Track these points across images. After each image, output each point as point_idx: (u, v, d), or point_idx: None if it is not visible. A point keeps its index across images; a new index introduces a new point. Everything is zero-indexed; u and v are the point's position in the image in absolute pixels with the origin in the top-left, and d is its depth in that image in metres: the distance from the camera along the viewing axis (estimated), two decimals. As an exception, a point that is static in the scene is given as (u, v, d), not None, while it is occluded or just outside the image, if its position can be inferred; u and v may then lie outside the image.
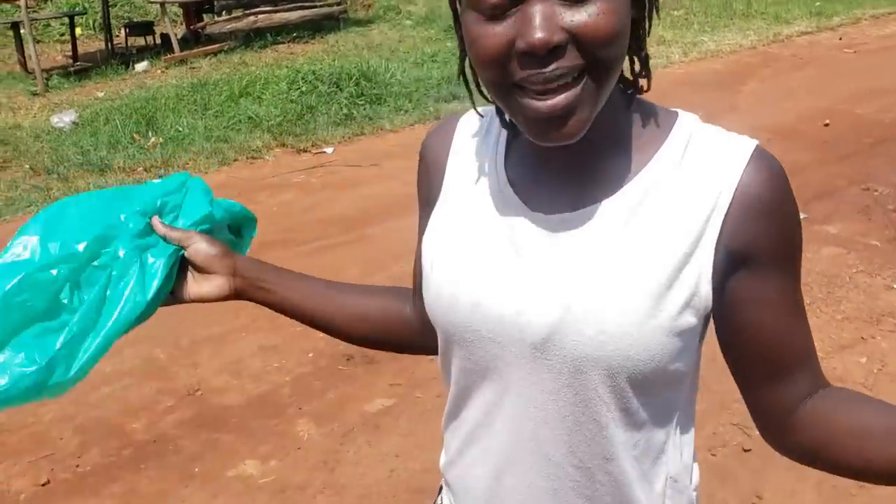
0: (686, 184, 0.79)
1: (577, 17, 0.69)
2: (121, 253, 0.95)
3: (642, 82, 0.83)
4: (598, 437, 0.82)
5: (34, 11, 10.00)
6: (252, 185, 5.48)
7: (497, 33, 0.70)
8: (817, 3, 12.54)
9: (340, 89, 7.35)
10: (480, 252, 0.85)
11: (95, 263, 0.94)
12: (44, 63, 9.02)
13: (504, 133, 0.89)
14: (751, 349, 0.84)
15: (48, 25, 10.84)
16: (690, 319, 0.79)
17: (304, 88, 7.27)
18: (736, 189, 0.78)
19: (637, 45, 0.80)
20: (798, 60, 8.98)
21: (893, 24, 11.25)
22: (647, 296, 0.77)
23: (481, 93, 0.83)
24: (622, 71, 0.79)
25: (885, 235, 4.36)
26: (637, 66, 0.83)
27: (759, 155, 0.79)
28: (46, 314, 0.91)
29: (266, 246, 4.48)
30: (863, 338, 3.35)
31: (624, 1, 0.72)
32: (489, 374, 0.86)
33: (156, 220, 0.99)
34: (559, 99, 0.71)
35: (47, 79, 8.36)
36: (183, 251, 0.99)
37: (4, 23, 9.43)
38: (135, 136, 6.39)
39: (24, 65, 8.91)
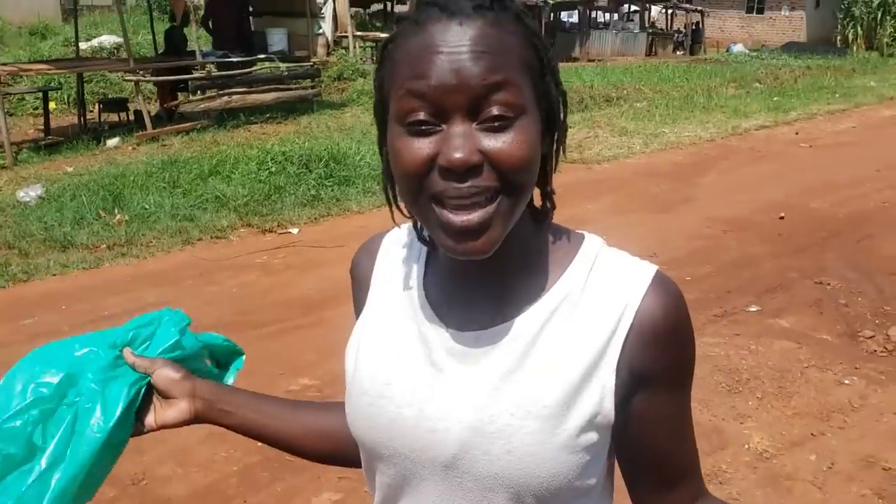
0: (589, 306, 0.84)
1: (493, 143, 0.76)
2: (89, 387, 0.97)
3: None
4: None
5: (8, 86, 10.07)
6: (214, 265, 5.46)
7: (420, 148, 0.76)
8: (775, 98, 13.09)
9: (309, 170, 7.44)
10: (398, 369, 0.88)
11: (65, 402, 0.96)
12: (15, 136, 9.06)
13: (425, 249, 0.93)
14: (642, 461, 0.89)
15: (22, 99, 10.92)
16: (593, 436, 0.83)
17: (273, 169, 7.36)
18: (636, 314, 0.82)
19: (544, 181, 0.86)
20: (755, 153, 9.31)
21: (847, 120, 11.76)
22: (551, 415, 0.81)
23: (398, 207, 0.87)
24: (532, 199, 0.84)
25: (836, 330, 4.45)
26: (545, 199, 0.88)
27: (659, 281, 0.84)
28: (24, 460, 0.94)
29: (222, 328, 4.41)
30: (813, 434, 3.38)
31: (536, 135, 0.79)
32: (406, 490, 0.89)
33: (126, 351, 1.02)
34: (473, 215, 0.76)
35: (17, 152, 8.37)
36: (149, 378, 1.01)
37: (-23, 97, 9.48)
38: (101, 212, 6.38)
39: (-7, 138, 8.92)
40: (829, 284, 5.12)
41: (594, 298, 0.84)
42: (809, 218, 6.61)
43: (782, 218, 6.57)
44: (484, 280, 0.87)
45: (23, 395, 0.96)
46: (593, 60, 19.17)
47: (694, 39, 23.30)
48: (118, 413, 0.96)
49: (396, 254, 0.96)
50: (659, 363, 0.83)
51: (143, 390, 1.01)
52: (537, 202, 0.90)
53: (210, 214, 6.52)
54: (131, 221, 6.27)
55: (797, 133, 10.57)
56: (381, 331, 0.92)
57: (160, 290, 4.98)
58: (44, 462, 0.93)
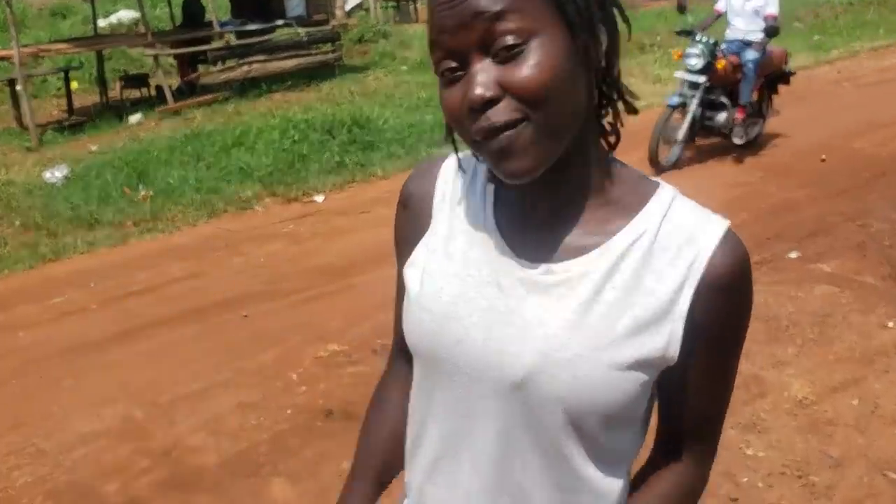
0: (662, 250, 0.86)
1: (508, 74, 0.77)
2: None
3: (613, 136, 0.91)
4: (568, 470, 0.90)
5: (31, 68, 10.11)
6: (240, 236, 5.44)
7: (454, 95, 0.81)
8: (815, 38, 12.61)
9: (333, 137, 7.37)
10: (466, 291, 0.90)
11: None
12: (40, 118, 9.10)
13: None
14: (673, 407, 0.94)
15: (45, 81, 10.95)
16: (653, 372, 0.87)
17: (296, 137, 7.29)
18: (706, 266, 0.84)
19: (601, 100, 0.88)
20: (795, 95, 8.91)
21: (892, 57, 11.28)
22: (620, 351, 0.84)
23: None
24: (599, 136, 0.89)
25: (879, 272, 4.28)
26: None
27: (730, 237, 0.87)
28: None
29: (251, 298, 4.43)
30: (855, 379, 3.26)
31: (557, 53, 0.77)
32: (459, 406, 0.92)
33: None
34: (500, 138, 0.78)
35: (42, 134, 8.42)
36: None
37: (1, 80, 9.53)
38: (125, 189, 6.39)
39: (19, 120, 8.97)
40: (872, 226, 4.92)
41: (667, 244, 0.86)
42: (852, 159, 6.37)
43: (823, 160, 6.34)
44: (555, 212, 0.89)
45: None
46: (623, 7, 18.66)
47: (725, -18, 22.59)
48: None
49: (459, 179, 0.97)
50: (717, 316, 0.86)
51: None
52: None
53: (234, 186, 6.49)
54: (156, 197, 6.27)
55: (839, 72, 10.17)
56: (448, 254, 0.93)
57: (187, 263, 4.98)
58: None
